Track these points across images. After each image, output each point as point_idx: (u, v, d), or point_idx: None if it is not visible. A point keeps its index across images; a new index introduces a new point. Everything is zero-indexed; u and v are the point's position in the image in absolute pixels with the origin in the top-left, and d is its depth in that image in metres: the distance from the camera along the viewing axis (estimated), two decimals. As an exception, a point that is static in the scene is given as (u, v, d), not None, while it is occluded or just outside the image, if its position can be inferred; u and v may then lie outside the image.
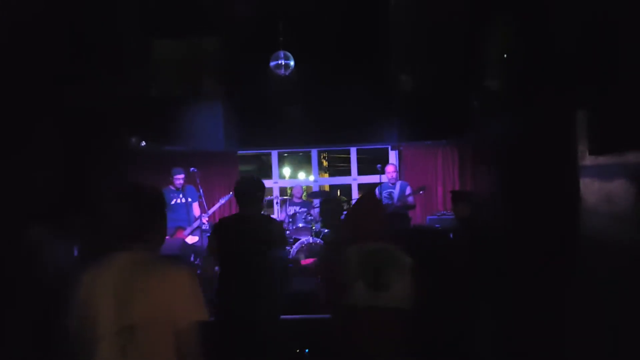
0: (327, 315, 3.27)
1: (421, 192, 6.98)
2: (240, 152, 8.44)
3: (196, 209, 6.53)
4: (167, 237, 6.51)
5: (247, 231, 3.26)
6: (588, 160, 3.04)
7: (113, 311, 1.76)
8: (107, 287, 1.79)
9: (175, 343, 1.79)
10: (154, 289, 1.79)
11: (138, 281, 1.79)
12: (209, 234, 3.66)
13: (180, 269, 1.87)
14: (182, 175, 6.40)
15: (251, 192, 3.32)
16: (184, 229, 6.35)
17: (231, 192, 7.07)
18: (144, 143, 6.01)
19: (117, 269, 1.81)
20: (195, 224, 6.37)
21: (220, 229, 3.38)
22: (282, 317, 3.49)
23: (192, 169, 6.43)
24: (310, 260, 6.42)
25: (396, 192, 6.66)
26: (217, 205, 6.76)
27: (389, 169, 6.80)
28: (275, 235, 3.38)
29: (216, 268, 3.37)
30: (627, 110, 2.70)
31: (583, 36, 3.05)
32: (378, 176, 6.80)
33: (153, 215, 1.93)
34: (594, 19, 2.92)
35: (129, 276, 1.80)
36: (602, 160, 2.92)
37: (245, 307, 3.17)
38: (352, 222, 2.97)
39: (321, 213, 3.86)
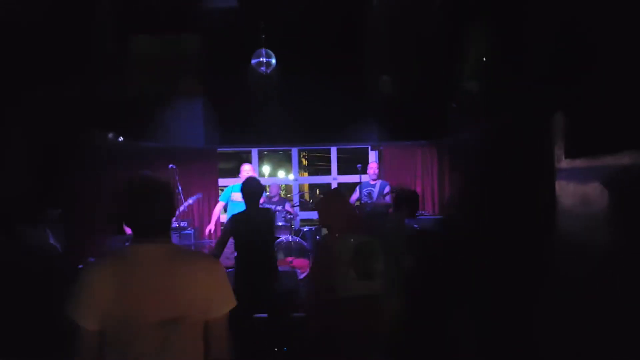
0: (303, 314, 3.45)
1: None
2: (220, 150, 8.38)
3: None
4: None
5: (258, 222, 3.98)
6: (564, 163, 3.10)
7: (151, 304, 1.70)
8: (139, 281, 1.71)
9: (204, 332, 1.77)
10: (191, 281, 1.75)
11: (174, 274, 1.74)
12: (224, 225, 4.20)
13: (211, 260, 1.89)
14: None
15: (258, 191, 4.03)
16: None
17: (199, 194, 6.92)
18: (121, 138, 5.91)
19: (148, 263, 1.74)
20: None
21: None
22: (259, 315, 4.02)
23: (170, 165, 6.35)
24: (289, 259, 6.39)
25: (376, 190, 6.77)
26: (184, 205, 6.63)
27: (372, 165, 6.97)
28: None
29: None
30: (603, 115, 2.76)
31: (559, 41, 3.11)
32: (358, 176, 6.82)
33: (173, 208, 1.87)
34: (570, 24, 2.98)
35: (164, 269, 1.74)
36: (578, 163, 2.98)
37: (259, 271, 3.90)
38: (326, 217, 3.06)
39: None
